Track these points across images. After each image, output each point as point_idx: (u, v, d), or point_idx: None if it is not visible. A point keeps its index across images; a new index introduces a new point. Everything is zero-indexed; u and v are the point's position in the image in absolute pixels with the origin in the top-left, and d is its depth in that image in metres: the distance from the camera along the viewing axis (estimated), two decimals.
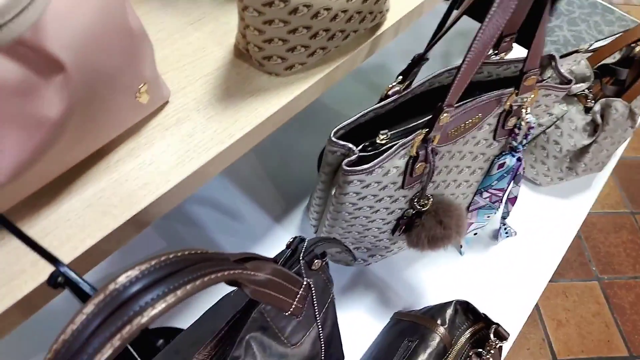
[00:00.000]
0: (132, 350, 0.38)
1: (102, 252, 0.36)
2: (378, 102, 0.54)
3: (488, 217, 0.71)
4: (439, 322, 0.57)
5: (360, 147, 0.52)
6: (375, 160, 0.49)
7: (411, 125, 0.54)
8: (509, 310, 0.76)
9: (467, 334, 0.56)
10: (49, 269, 0.33)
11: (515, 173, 0.63)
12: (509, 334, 0.53)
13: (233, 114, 0.43)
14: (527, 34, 0.55)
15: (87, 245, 0.34)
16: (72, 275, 0.24)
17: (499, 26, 0.40)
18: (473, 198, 0.69)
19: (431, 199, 0.55)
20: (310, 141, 0.91)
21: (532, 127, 0.58)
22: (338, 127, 0.52)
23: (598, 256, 1.40)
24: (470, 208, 0.70)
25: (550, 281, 0.81)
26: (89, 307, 0.22)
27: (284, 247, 0.59)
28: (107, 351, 0.22)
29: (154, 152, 0.40)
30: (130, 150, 0.39)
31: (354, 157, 0.50)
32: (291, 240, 0.44)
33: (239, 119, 0.43)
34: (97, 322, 0.22)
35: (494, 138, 0.59)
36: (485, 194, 0.67)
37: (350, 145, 0.51)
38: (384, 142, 0.52)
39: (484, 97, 0.53)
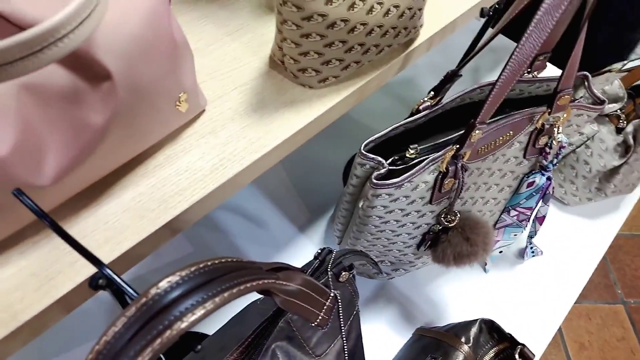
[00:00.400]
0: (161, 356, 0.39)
1: (138, 255, 0.37)
2: (408, 117, 0.54)
3: (515, 235, 0.70)
4: (463, 340, 0.56)
5: (390, 160, 0.53)
6: (405, 175, 0.49)
7: (441, 140, 0.54)
8: (532, 331, 0.75)
9: (492, 353, 0.55)
10: (86, 270, 0.34)
11: (545, 192, 0.62)
12: (534, 355, 0.52)
13: (267, 124, 0.44)
14: (561, 53, 0.55)
15: (124, 248, 0.35)
16: (116, 278, 0.24)
17: (536, 45, 0.40)
18: (500, 216, 0.68)
19: (458, 215, 0.55)
20: (336, 153, 0.92)
21: (564, 147, 0.57)
22: (368, 140, 0.52)
23: (624, 279, 1.37)
24: (497, 226, 0.69)
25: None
26: (131, 310, 0.23)
27: (307, 256, 0.59)
28: (148, 355, 0.22)
29: (190, 159, 0.41)
30: (168, 156, 0.40)
31: (383, 170, 0.51)
32: (319, 251, 0.44)
33: (273, 129, 0.44)
34: (139, 325, 0.23)
35: (524, 156, 0.59)
36: (513, 212, 0.66)
37: (380, 158, 0.51)
38: (413, 156, 0.52)
39: (516, 114, 0.53)
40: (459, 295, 0.78)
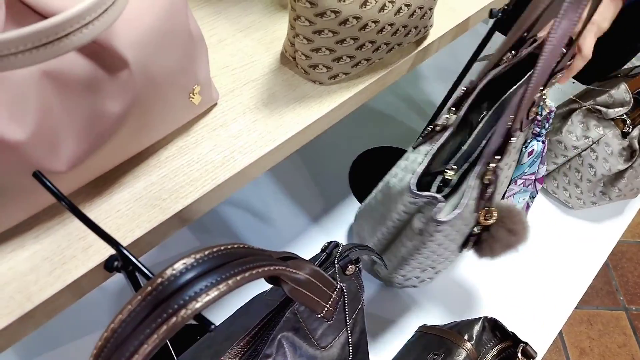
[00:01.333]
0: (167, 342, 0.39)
1: (148, 244, 0.37)
2: (428, 134, 0.55)
3: (523, 199, 0.71)
4: (466, 337, 0.57)
5: (435, 188, 0.53)
6: (462, 202, 0.51)
7: (464, 149, 0.55)
8: (533, 333, 0.75)
9: (494, 351, 0.56)
10: (99, 256, 0.35)
11: (543, 155, 0.63)
12: (536, 354, 0.52)
13: (277, 119, 0.45)
14: None
15: (136, 235, 0.36)
16: (133, 258, 0.25)
17: (569, 29, 0.41)
18: (508, 187, 0.69)
19: (495, 212, 0.56)
20: (340, 147, 0.92)
21: (553, 111, 0.58)
22: (413, 177, 0.52)
23: (626, 286, 1.36)
24: (506, 195, 0.70)
25: (574, 308, 0.80)
26: (148, 290, 0.23)
27: (311, 252, 0.60)
28: (163, 333, 0.23)
29: (202, 151, 0.41)
30: (180, 148, 0.41)
31: (441, 205, 0.51)
32: (327, 244, 0.45)
33: (283, 124, 0.44)
34: (154, 304, 0.23)
35: (521, 130, 0.60)
36: (519, 181, 0.67)
37: (435, 194, 0.51)
38: (453, 177, 0.53)
39: (516, 100, 0.54)
40: (461, 295, 0.78)
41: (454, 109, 0.54)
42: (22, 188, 0.32)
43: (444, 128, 0.54)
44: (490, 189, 0.52)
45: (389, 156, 0.92)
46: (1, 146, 0.29)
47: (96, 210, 0.37)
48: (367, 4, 0.41)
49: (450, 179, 0.53)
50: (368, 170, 0.90)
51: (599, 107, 0.78)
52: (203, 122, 0.43)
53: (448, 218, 0.51)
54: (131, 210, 0.37)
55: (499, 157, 0.49)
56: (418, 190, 0.53)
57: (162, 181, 0.39)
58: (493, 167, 0.50)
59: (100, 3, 0.23)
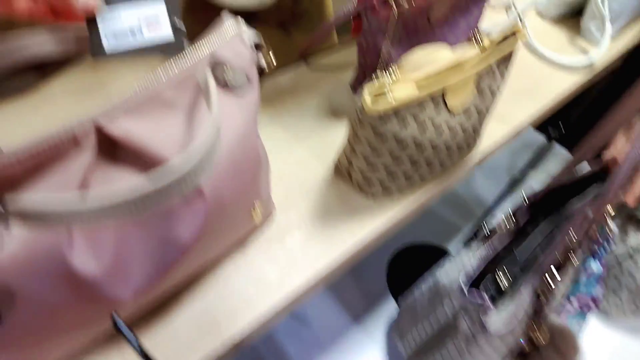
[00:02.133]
0: None
1: None
2: (486, 236, 0.54)
3: (578, 324, 0.68)
4: None
5: (483, 288, 0.52)
6: (512, 313, 0.50)
7: (518, 256, 0.54)
8: None
9: None
10: None
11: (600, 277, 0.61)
12: None
13: (332, 234, 0.44)
14: None
15: None
16: None
17: None
18: (563, 306, 0.66)
19: (546, 331, 0.54)
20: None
21: (614, 233, 0.56)
22: (464, 279, 0.52)
23: None
24: (560, 313, 0.67)
25: None
26: None
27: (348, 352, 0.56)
28: None
29: (257, 268, 0.40)
30: (237, 266, 0.40)
31: (490, 313, 0.50)
32: None
33: (338, 241, 0.43)
34: None
35: (579, 247, 0.58)
36: (574, 301, 0.64)
37: (486, 301, 0.50)
38: (504, 281, 0.52)
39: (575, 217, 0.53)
40: None
41: (514, 219, 0.54)
42: (86, 318, 0.31)
43: (502, 234, 0.53)
44: (544, 305, 0.51)
45: (428, 254, 0.90)
46: (76, 281, 0.28)
47: (155, 337, 0.36)
48: (426, 129, 0.42)
49: (501, 283, 0.52)
50: (406, 268, 0.88)
51: (638, 214, 0.77)
52: (259, 236, 0.43)
53: (499, 331, 0.48)
54: (189, 336, 0.36)
55: (557, 274, 0.48)
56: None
57: (218, 303, 0.38)
58: (550, 282, 0.49)
59: (206, 157, 0.23)
